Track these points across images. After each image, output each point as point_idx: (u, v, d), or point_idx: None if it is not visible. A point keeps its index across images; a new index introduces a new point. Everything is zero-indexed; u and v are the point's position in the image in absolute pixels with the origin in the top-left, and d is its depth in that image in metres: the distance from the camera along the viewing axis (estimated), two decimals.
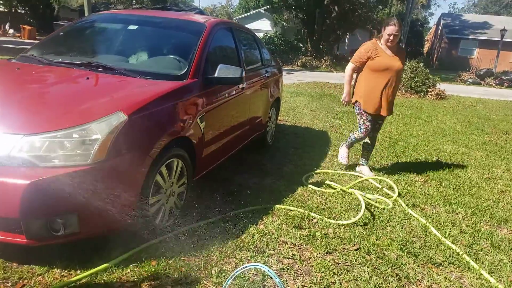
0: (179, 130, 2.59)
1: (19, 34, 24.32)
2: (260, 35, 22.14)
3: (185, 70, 2.91)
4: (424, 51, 35.49)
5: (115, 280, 2.09)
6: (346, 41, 35.70)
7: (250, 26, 32.39)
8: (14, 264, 2.13)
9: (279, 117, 5.84)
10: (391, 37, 3.83)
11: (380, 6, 30.63)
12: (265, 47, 5.14)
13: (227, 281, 1.65)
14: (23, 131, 1.99)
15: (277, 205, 3.17)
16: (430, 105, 10.52)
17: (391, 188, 3.83)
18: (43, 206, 1.95)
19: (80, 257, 2.22)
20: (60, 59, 2.96)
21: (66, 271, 2.11)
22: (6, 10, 29.29)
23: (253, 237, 2.64)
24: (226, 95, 3.34)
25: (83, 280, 2.05)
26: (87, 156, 2.02)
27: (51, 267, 2.13)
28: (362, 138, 4.19)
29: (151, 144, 2.31)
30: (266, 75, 4.61)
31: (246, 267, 1.65)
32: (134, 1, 33.24)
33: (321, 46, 25.93)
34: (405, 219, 3.19)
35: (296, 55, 23.91)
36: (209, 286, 2.10)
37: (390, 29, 3.81)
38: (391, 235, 2.88)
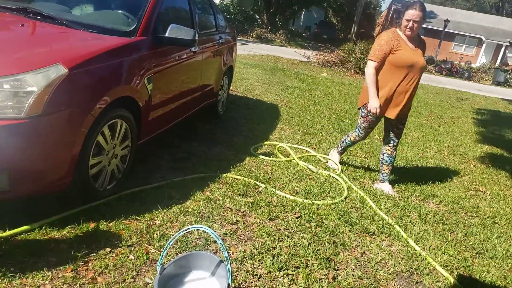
0: (124, 89, 2.47)
1: None
2: (216, 1, 21.45)
3: (134, 26, 2.75)
4: (375, 34, 36.59)
5: (50, 241, 1.99)
6: (302, 17, 35.79)
7: None
8: None
9: (231, 88, 5.78)
10: (411, 24, 3.12)
11: None
12: (221, 13, 4.99)
13: (169, 243, 1.64)
14: None
15: (224, 174, 3.18)
16: None
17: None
18: None
19: (9, 216, 2.09)
20: None
21: None
22: None
23: (198, 203, 2.64)
24: (177, 58, 3.22)
25: (13, 241, 1.94)
26: (21, 109, 1.86)
27: None
28: (359, 140, 3.65)
29: (93, 101, 2.17)
30: (220, 41, 4.50)
31: (188, 229, 1.64)
32: None
33: (277, 20, 25.79)
34: (344, 191, 3.34)
35: (251, 27, 23.59)
36: (150, 249, 2.08)
37: (410, 14, 3.11)
38: (331, 206, 3.01)
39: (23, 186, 1.98)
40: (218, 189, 2.89)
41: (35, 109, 1.89)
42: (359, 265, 2.33)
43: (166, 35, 2.84)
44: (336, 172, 3.69)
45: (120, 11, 2.95)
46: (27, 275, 1.75)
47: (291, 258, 2.24)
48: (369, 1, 36.58)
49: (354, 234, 2.66)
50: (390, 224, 2.87)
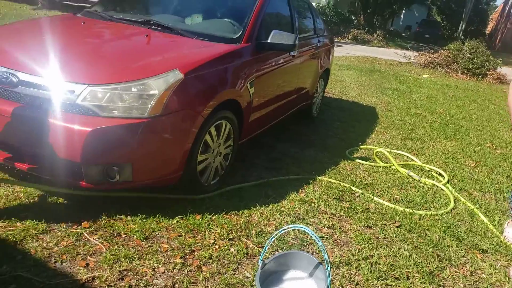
0: (230, 93, 2.64)
1: None
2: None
3: (239, 33, 2.91)
4: (487, 31, 32.97)
5: (162, 228, 2.22)
6: (402, 16, 33.82)
7: None
8: (73, 203, 2.30)
9: (326, 90, 5.75)
10: None
11: None
12: (319, 17, 5.00)
13: (271, 239, 1.71)
14: (88, 81, 2.10)
15: (318, 176, 3.19)
16: (488, 89, 9.89)
17: (440, 174, 3.69)
18: (102, 154, 2.07)
19: (131, 204, 2.37)
20: (121, 16, 3.06)
21: (117, 216, 2.26)
22: None
23: (293, 204, 2.69)
24: (277, 62, 3.33)
25: (133, 226, 2.20)
26: (144, 109, 2.11)
27: (104, 210, 2.28)
28: None
29: (204, 104, 2.37)
30: (318, 44, 4.51)
31: (289, 227, 1.69)
32: None
33: (374, 20, 24.77)
34: (450, 203, 3.09)
35: (347, 28, 23.03)
36: (249, 245, 2.19)
37: None
38: (435, 217, 2.82)
39: (143, 177, 2.24)
40: (312, 191, 2.91)
41: (156, 110, 2.13)
42: (469, 284, 2.16)
43: (268, 40, 2.96)
44: (441, 182, 3.44)
45: (227, 20, 3.15)
46: (144, 257, 1.97)
47: (391, 268, 2.16)
48: None
49: (462, 250, 2.46)
50: (506, 244, 2.59)
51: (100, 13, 3.16)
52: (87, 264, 1.85)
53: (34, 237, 1.97)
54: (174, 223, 2.28)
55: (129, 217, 2.26)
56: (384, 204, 2.87)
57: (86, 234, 2.06)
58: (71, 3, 16.23)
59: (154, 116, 2.12)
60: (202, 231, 2.24)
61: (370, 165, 3.62)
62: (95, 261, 1.88)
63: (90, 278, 1.77)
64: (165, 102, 2.15)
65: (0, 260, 1.78)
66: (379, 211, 2.77)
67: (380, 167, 3.61)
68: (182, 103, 2.25)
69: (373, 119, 5.34)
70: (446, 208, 2.96)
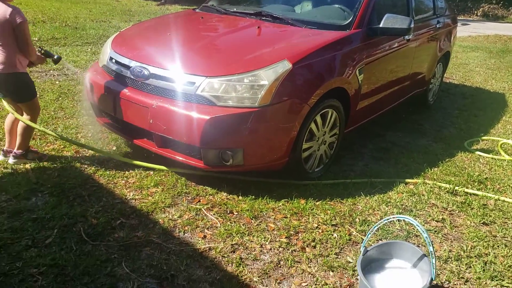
0: (337, 81, 2.65)
1: None
2: None
3: (350, 20, 2.89)
4: None
5: (269, 209, 2.39)
6: None
7: None
8: (193, 183, 2.62)
9: (445, 75, 5.28)
10: None
11: None
12: None
13: (375, 226, 1.73)
14: (207, 74, 2.35)
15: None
16: None
17: None
18: (218, 139, 2.31)
19: (242, 186, 2.59)
20: (235, 9, 3.29)
21: (230, 195, 2.50)
22: None
23: (401, 195, 2.62)
24: (389, 47, 3.20)
25: (243, 205, 2.41)
26: (255, 99, 2.27)
27: (219, 190, 2.55)
28: None
29: (310, 93, 2.44)
30: (438, 25, 4.17)
31: (395, 217, 1.69)
32: None
33: None
34: None
35: (476, 2, 20.40)
36: (353, 232, 2.22)
37: None
38: None
39: (253, 161, 2.43)
40: (423, 183, 2.78)
41: (265, 100, 2.28)
42: None
43: (381, 25, 2.87)
44: None
45: (337, 5, 3.14)
46: (252, 234, 2.16)
47: (508, 269, 1.99)
48: None
49: None
50: None
51: (216, 7, 3.44)
52: (205, 236, 2.11)
53: (162, 209, 2.30)
54: (280, 205, 2.43)
55: (240, 197, 2.48)
56: (505, 201, 2.60)
57: (204, 210, 2.33)
58: None
59: (263, 105, 2.28)
60: (306, 215, 2.35)
61: (492, 158, 3.28)
62: (211, 234, 2.13)
63: (207, 249, 2.02)
64: (274, 92, 2.28)
65: (137, 226, 2.14)
66: (499, 208, 2.53)
67: (505, 160, 3.24)
68: (289, 93, 2.36)
69: (501, 107, 4.75)
70: None
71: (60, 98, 3.93)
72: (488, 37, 11.51)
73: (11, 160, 2.63)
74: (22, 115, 2.57)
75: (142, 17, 10.05)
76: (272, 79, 2.28)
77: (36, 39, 6.46)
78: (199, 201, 2.42)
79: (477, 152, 3.37)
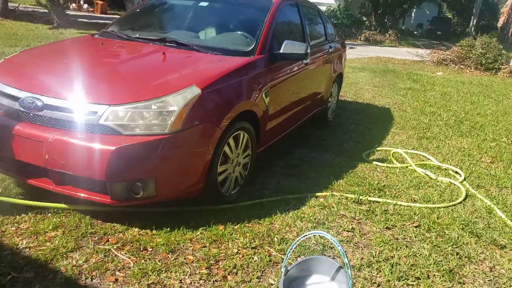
0: (246, 104, 2.72)
1: (92, 9, 25.70)
2: (323, 8, 21.49)
3: (253, 46, 3.00)
4: (499, 25, 32.35)
5: (187, 240, 2.30)
6: (413, 14, 33.52)
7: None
8: (99, 221, 2.40)
9: (340, 93, 5.79)
10: None
11: None
12: (330, 22, 5.06)
13: (292, 246, 1.78)
14: (110, 102, 2.21)
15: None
16: (502, 83, 9.74)
17: (457, 172, 3.69)
18: (125, 171, 2.17)
19: (156, 218, 2.46)
20: (137, 35, 3.19)
21: (142, 231, 2.35)
22: None
23: (313, 209, 2.74)
24: (290, 71, 3.40)
25: (158, 239, 2.28)
26: (164, 126, 2.21)
27: (130, 226, 2.38)
28: None
29: (221, 116, 2.46)
30: (330, 50, 4.57)
31: (309, 234, 1.75)
32: None
33: (385, 20, 24.63)
34: (468, 200, 3.12)
35: (359, 30, 22.98)
36: (272, 252, 2.25)
37: None
38: (453, 215, 2.84)
39: (166, 191, 2.33)
40: (331, 196, 2.96)
41: (176, 126, 2.22)
42: (489, 280, 2.17)
43: (281, 51, 3.04)
44: (458, 179, 3.45)
45: (240, 32, 3.25)
46: (170, 270, 2.04)
47: (411, 268, 2.20)
48: None
49: (481, 247, 2.47)
50: None
51: (117, 33, 3.30)
52: (116, 280, 1.93)
53: (64, 255, 2.06)
54: (198, 235, 2.35)
55: (154, 231, 2.35)
56: (402, 205, 2.90)
57: (113, 250, 2.14)
58: (85, 20, 16.69)
59: (174, 131, 2.22)
60: (225, 241, 2.31)
61: (387, 167, 3.65)
62: (123, 276, 1.96)
63: None
64: (184, 118, 2.25)
65: (32, 280, 1.87)
66: (397, 212, 2.81)
67: (397, 168, 3.64)
68: (200, 118, 2.34)
69: (388, 120, 5.35)
70: (462, 204, 2.97)
71: None
72: (371, 58, 12.98)
73: None
74: None
75: (31, 42, 9.18)
76: (182, 105, 2.25)
77: None
78: (108, 240, 2.22)
79: (374, 162, 3.72)
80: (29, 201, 2.43)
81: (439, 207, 2.93)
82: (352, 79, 8.45)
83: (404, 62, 12.68)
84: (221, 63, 2.72)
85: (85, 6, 26.68)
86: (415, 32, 29.68)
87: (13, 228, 2.24)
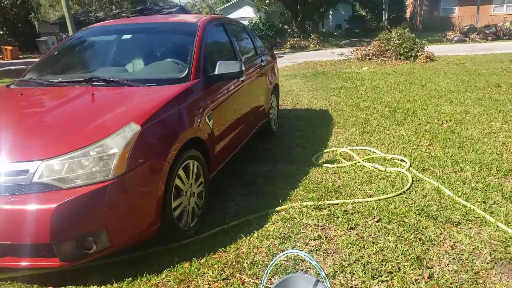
0: (190, 132, 2.64)
1: (1, 56, 24.05)
2: (245, 22, 21.97)
3: (186, 72, 2.94)
4: (407, 16, 35.31)
5: (152, 286, 2.15)
6: (330, 16, 35.45)
7: (233, 15, 32.09)
8: (50, 287, 2.18)
9: (279, 103, 5.88)
10: None
11: None
12: (257, 36, 5.15)
13: (266, 272, 1.72)
14: (41, 157, 2.03)
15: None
16: (421, 68, 10.53)
17: (402, 160, 3.86)
18: (72, 227, 1.99)
19: (115, 269, 2.29)
20: (60, 79, 2.99)
21: (102, 287, 2.16)
22: None
23: (277, 225, 2.71)
24: (229, 90, 3.38)
25: None
26: (108, 171, 2.06)
27: (87, 285, 2.18)
28: None
29: (166, 149, 2.35)
30: (262, 64, 4.63)
31: (281, 256, 1.71)
32: (113, 6, 32.86)
33: (306, 26, 25.77)
34: (418, 185, 3.26)
35: (283, 38, 23.80)
36: (245, 279, 2.18)
37: None
38: (408, 202, 2.96)
39: (121, 239, 2.16)
40: (291, 207, 2.95)
41: (120, 168, 2.09)
42: (452, 259, 2.27)
43: (216, 72, 3.00)
44: (404, 167, 3.62)
45: (170, 60, 3.18)
46: None
47: (382, 264, 2.23)
48: None
49: (438, 228, 2.59)
50: (474, 210, 2.76)
51: (36, 80, 3.08)
52: None
53: None
54: (163, 278, 2.22)
55: (115, 284, 2.17)
56: (359, 202, 2.97)
57: None
58: None
59: (119, 175, 2.08)
60: (194, 279, 2.20)
61: (337, 167, 3.73)
62: None
63: None
64: (128, 158, 2.12)
65: None
66: (357, 210, 2.86)
67: (347, 166, 3.74)
68: (145, 155, 2.22)
69: (329, 121, 5.52)
70: (414, 189, 3.11)
71: None
72: (300, 64, 13.43)
73: None
74: None
75: None
76: (123, 145, 2.12)
77: None
78: None
79: (325, 165, 3.79)
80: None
81: (392, 197, 3.03)
82: (286, 87, 8.65)
83: (331, 63, 13.27)
84: (157, 94, 2.62)
85: None
86: (335, 33, 31.34)
87: None
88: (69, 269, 2.24)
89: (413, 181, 3.32)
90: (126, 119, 2.25)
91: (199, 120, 2.77)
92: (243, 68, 3.08)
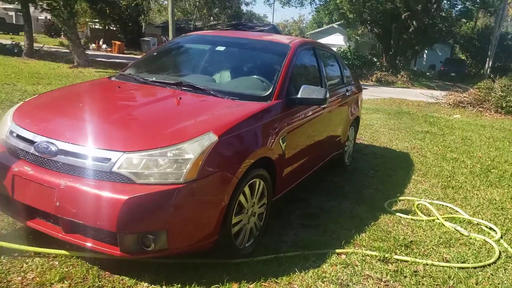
0: (263, 151, 2.60)
1: (110, 49, 26.78)
2: (333, 49, 21.93)
3: (270, 91, 2.92)
4: None
5: None
6: (424, 56, 33.96)
7: (323, 40, 32.24)
8: (107, 273, 2.25)
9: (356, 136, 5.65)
10: None
11: (464, 20, 28.61)
12: (345, 65, 5.03)
13: None
14: (124, 149, 2.11)
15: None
16: None
17: (491, 229, 3.40)
18: (137, 222, 2.03)
19: (167, 272, 2.29)
20: (154, 78, 3.15)
21: (152, 286, 2.17)
22: (101, 28, 32.58)
23: (335, 268, 2.52)
24: (307, 115, 3.30)
25: None
26: (180, 174, 2.08)
27: (139, 280, 2.21)
28: None
29: (238, 164, 2.33)
30: (347, 94, 4.49)
31: None
32: (211, 17, 34.93)
33: (397, 61, 24.89)
34: (509, 262, 2.83)
35: (370, 70, 23.23)
36: None
37: None
38: (494, 281, 2.57)
39: (178, 243, 2.17)
40: (354, 252, 2.74)
41: (191, 174, 2.10)
42: None
43: (299, 96, 2.94)
44: (493, 237, 3.17)
45: (257, 77, 3.19)
46: None
47: None
48: (505, 32, 32.88)
49: None
50: None
51: (134, 76, 3.27)
52: None
53: None
54: None
55: (164, 287, 2.17)
56: (433, 265, 2.65)
57: None
58: (103, 60, 17.29)
59: (189, 180, 2.09)
60: None
61: (412, 219, 3.41)
62: None
63: None
64: (200, 166, 2.12)
65: None
66: (429, 274, 2.56)
67: (424, 221, 3.40)
68: (216, 166, 2.21)
69: (408, 166, 5.15)
70: (503, 267, 2.71)
71: None
72: (384, 99, 12.93)
73: None
74: None
75: (52, 80, 9.42)
76: (198, 153, 2.13)
77: None
78: None
79: (398, 214, 3.49)
80: (36, 247, 2.32)
81: (475, 269, 2.66)
82: (366, 120, 8.33)
83: (418, 103, 12.58)
84: (238, 109, 2.63)
85: (104, 46, 27.88)
86: (427, 73, 29.88)
87: (19, 278, 2.12)
88: (127, 260, 2.28)
89: (500, 255, 2.89)
90: (205, 128, 2.27)
91: (273, 140, 2.72)
92: (327, 95, 2.98)
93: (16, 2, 16.19)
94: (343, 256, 2.68)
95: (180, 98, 2.73)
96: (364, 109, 9.83)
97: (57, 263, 2.28)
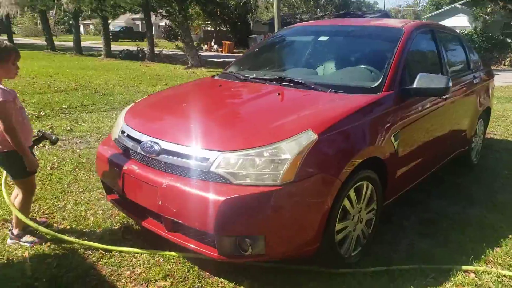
0: (371, 150, 2.32)
1: (220, 49, 28.35)
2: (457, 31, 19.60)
3: (379, 81, 2.60)
4: None
5: None
6: None
7: (443, 23, 29.05)
8: (207, 273, 2.24)
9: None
10: None
11: None
12: (472, 49, 4.31)
13: None
14: (221, 148, 2.06)
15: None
16: None
17: None
18: (235, 224, 1.96)
19: (265, 277, 2.19)
20: (254, 75, 3.08)
21: None
22: (212, 29, 34.72)
23: None
24: (425, 107, 2.87)
25: None
26: (276, 176, 1.95)
27: (237, 284, 2.16)
28: None
29: (341, 165, 2.10)
30: (474, 81, 3.84)
31: None
32: (318, 9, 34.39)
33: None
34: None
35: (503, 53, 20.18)
36: None
37: None
38: None
39: (276, 249, 2.04)
40: (486, 271, 2.27)
41: (289, 176, 1.94)
42: None
43: (414, 86, 2.57)
44: None
45: (364, 66, 2.89)
46: None
47: None
48: None
49: None
50: None
51: (235, 74, 3.25)
52: None
53: None
54: None
55: None
56: None
57: None
58: (214, 60, 18.34)
59: (286, 182, 1.94)
60: None
61: None
62: None
63: None
64: (298, 167, 1.96)
65: None
66: None
67: None
68: (316, 167, 2.02)
69: None
70: None
71: (77, 169, 3.78)
72: None
73: (9, 241, 2.48)
74: None
75: (169, 81, 10.29)
76: (296, 152, 1.97)
77: (66, 106, 6.63)
78: None
79: None
80: (141, 249, 2.44)
81: None
82: (498, 111, 7.16)
83: None
84: (342, 103, 2.39)
85: (215, 46, 29.66)
86: None
87: (128, 272, 2.25)
88: (226, 263, 2.25)
89: None
90: (304, 125, 2.10)
91: (383, 138, 2.40)
92: (450, 84, 2.54)
93: (140, 12, 18.15)
94: (472, 275, 2.25)
95: (279, 94, 2.60)
96: (496, 97, 8.50)
97: (162, 260, 2.36)
